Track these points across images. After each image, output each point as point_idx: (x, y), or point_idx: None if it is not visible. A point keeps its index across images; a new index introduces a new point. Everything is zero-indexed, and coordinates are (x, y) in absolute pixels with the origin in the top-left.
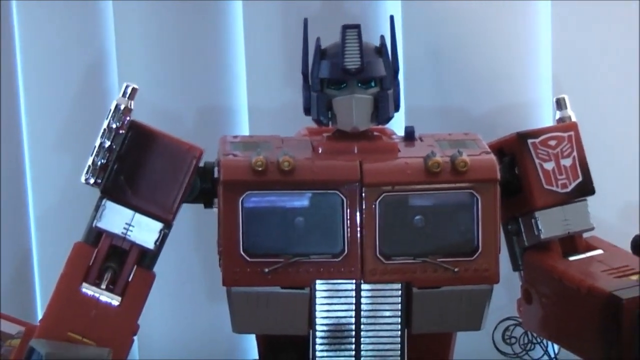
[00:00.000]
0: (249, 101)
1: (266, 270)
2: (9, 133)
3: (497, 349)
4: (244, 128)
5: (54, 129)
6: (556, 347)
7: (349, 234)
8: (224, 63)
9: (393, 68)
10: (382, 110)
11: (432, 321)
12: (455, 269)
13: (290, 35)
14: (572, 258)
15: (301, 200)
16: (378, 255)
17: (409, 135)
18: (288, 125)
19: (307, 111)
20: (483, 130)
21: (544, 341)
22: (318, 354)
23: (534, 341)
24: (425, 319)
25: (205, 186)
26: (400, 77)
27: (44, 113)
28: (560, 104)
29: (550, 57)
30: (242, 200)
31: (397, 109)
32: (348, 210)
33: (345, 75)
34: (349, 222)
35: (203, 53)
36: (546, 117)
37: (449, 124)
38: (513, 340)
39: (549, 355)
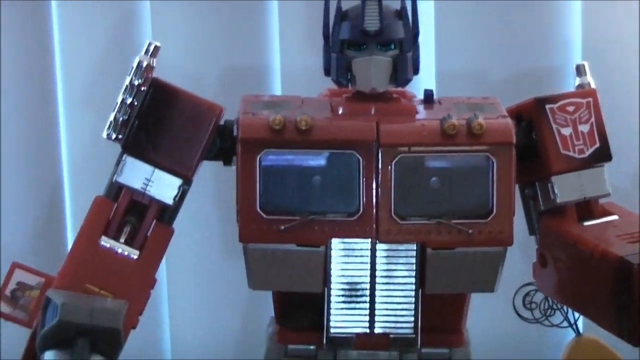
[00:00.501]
0: (282, 61)
1: (282, 227)
2: (44, 89)
3: (518, 313)
4: (276, 88)
5: (86, 83)
6: (576, 313)
7: (364, 194)
8: (257, 24)
9: (413, 31)
10: (401, 72)
11: (446, 282)
12: (470, 231)
13: None
14: (587, 223)
15: (318, 160)
16: (393, 215)
17: (428, 98)
18: (320, 86)
19: (327, 72)
20: (510, 95)
21: (564, 307)
22: (333, 311)
23: (555, 307)
24: (439, 280)
25: (224, 144)
26: (431, 41)
27: (77, 67)
28: (580, 71)
29: (581, 23)
30: (259, 158)
31: (416, 71)
32: (364, 170)
33: (365, 37)
34: (364, 182)
35: (238, 14)
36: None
37: (477, 89)
38: (534, 305)
39: (569, 322)
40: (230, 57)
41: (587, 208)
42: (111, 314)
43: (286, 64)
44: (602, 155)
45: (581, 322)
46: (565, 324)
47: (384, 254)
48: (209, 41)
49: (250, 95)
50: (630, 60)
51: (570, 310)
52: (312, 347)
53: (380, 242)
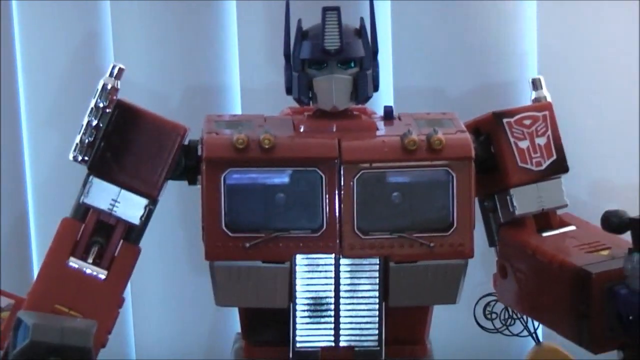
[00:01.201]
0: (241, 81)
1: (247, 245)
2: (7, 110)
3: (479, 324)
4: (236, 108)
5: (49, 105)
6: (536, 322)
7: (327, 210)
8: (217, 44)
9: (372, 49)
10: (361, 89)
11: (409, 295)
12: (431, 244)
13: (279, 16)
14: (545, 234)
15: (281, 177)
16: (356, 230)
17: (388, 115)
18: (280, 105)
19: (288, 91)
20: (469, 110)
21: (524, 316)
22: (298, 326)
23: (514, 316)
24: (402, 293)
25: (189, 163)
26: (389, 58)
27: (41, 88)
28: (535, 84)
29: (536, 37)
30: (224, 177)
31: (376, 89)
32: (327, 187)
33: (325, 55)
34: (327, 198)
35: (197, 34)
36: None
37: (436, 104)
38: (494, 315)
39: (529, 331)
40: (192, 77)
41: (545, 219)
42: (81, 334)
43: (246, 83)
44: (559, 167)
45: (541, 330)
46: (525, 333)
47: (348, 268)
48: (170, 61)
49: (213, 115)
50: (585, 73)
51: (530, 320)
52: None
53: (344, 257)
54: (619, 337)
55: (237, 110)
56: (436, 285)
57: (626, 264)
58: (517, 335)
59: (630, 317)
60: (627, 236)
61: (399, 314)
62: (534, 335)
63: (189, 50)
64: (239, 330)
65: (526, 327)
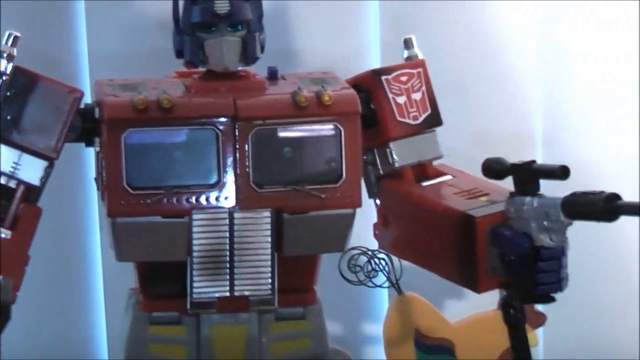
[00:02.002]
0: (89, 48)
1: (148, 201)
2: None
3: (343, 276)
4: (83, 75)
5: None
6: (398, 274)
7: (224, 166)
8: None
9: (258, 13)
10: (250, 51)
11: (302, 244)
12: (322, 196)
13: None
14: (424, 184)
15: (180, 136)
16: (251, 184)
17: (273, 75)
18: (132, 73)
19: (179, 54)
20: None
21: (386, 268)
22: (195, 278)
23: (377, 269)
24: (295, 243)
25: (86, 126)
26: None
27: None
28: (407, 44)
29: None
30: (124, 137)
31: (262, 50)
32: (223, 144)
33: (216, 19)
34: (223, 154)
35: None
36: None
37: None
38: (357, 268)
39: (391, 282)
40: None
41: (423, 170)
42: (1, 290)
43: (95, 51)
44: (434, 120)
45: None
46: (387, 284)
47: (242, 221)
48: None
49: (103, 80)
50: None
51: (392, 271)
52: (176, 313)
53: (240, 210)
54: (501, 276)
55: (85, 77)
56: (327, 235)
57: (508, 207)
58: (379, 286)
59: (512, 257)
60: (502, 183)
61: (290, 264)
62: (396, 286)
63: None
64: (133, 286)
65: (388, 278)
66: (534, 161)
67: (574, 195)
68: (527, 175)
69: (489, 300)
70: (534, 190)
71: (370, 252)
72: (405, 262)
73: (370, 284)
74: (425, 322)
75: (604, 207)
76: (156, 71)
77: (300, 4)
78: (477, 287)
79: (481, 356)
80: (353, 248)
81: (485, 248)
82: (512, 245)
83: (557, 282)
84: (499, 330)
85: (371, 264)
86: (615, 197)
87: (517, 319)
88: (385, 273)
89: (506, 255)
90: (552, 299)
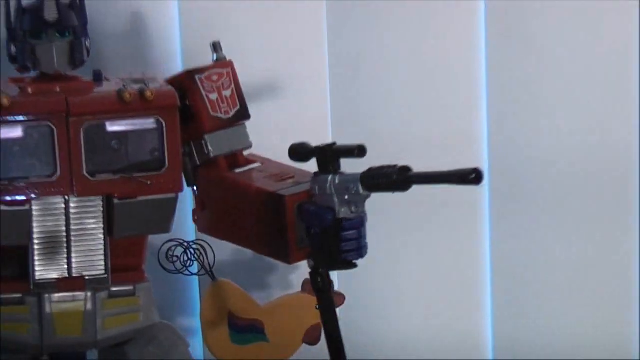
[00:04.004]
0: None
1: None
2: None
3: (162, 266)
4: None
5: None
6: (211, 262)
7: (59, 158)
8: None
9: (84, 20)
10: (78, 54)
11: (131, 227)
12: (148, 182)
13: None
14: (237, 170)
15: (18, 132)
16: (84, 174)
17: (98, 77)
18: None
19: (12, 59)
20: None
21: (201, 257)
22: (36, 261)
23: (192, 258)
24: (125, 226)
25: None
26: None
27: None
28: (216, 47)
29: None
30: None
31: (88, 54)
32: (58, 138)
33: (45, 26)
34: (59, 148)
35: None
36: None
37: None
38: (175, 259)
39: (205, 270)
40: None
41: (235, 159)
42: None
43: None
44: (243, 114)
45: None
46: (202, 272)
47: (77, 208)
48: None
49: None
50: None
51: (206, 260)
52: (19, 294)
53: (75, 197)
54: (308, 247)
55: None
56: (153, 217)
57: (313, 185)
58: (195, 274)
59: (317, 230)
60: (304, 166)
61: (121, 246)
62: (210, 273)
63: None
64: None
65: (203, 266)
66: (334, 143)
67: (370, 170)
68: (329, 156)
69: (295, 285)
70: (335, 169)
71: (186, 244)
72: (218, 253)
73: (187, 272)
74: (237, 305)
75: (397, 178)
76: None
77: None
78: (288, 259)
79: (288, 334)
80: (170, 240)
81: (293, 223)
82: (316, 218)
83: (358, 249)
84: (303, 310)
85: (187, 255)
86: (407, 169)
87: (324, 285)
88: (200, 262)
89: (312, 228)
90: (354, 265)
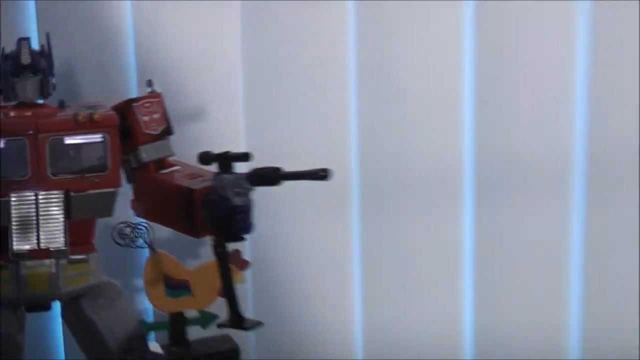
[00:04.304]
0: None
1: None
2: None
3: (115, 241)
4: None
5: None
6: (150, 237)
7: (31, 163)
8: None
9: (50, 63)
10: (46, 89)
11: (84, 212)
12: (96, 180)
13: None
14: (162, 172)
15: (2, 144)
16: (49, 174)
17: (61, 105)
18: None
19: None
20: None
21: (144, 235)
22: (14, 238)
23: (137, 235)
24: (80, 211)
25: None
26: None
27: None
28: (149, 83)
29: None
30: None
31: (54, 88)
32: (30, 149)
33: (21, 68)
34: (31, 156)
35: None
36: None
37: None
38: (124, 235)
39: (147, 244)
40: None
41: (162, 163)
42: None
43: None
44: (168, 131)
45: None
46: (146, 245)
47: (44, 199)
48: None
49: None
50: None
51: (149, 235)
52: (2, 262)
53: (43, 191)
54: (211, 226)
55: None
56: (99, 205)
57: (214, 182)
58: (140, 247)
59: (218, 214)
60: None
61: (77, 226)
62: (150, 246)
63: None
64: None
65: (145, 242)
66: (228, 151)
67: (255, 169)
68: (225, 160)
69: (212, 254)
70: (230, 170)
71: (133, 224)
72: (158, 232)
73: (133, 245)
74: (170, 269)
75: (272, 175)
76: None
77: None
78: (198, 235)
79: (207, 289)
80: (122, 222)
81: (201, 209)
82: (217, 206)
83: (246, 228)
84: (218, 273)
85: (134, 232)
86: (278, 169)
87: (223, 254)
88: (144, 239)
89: (214, 213)
90: (244, 239)
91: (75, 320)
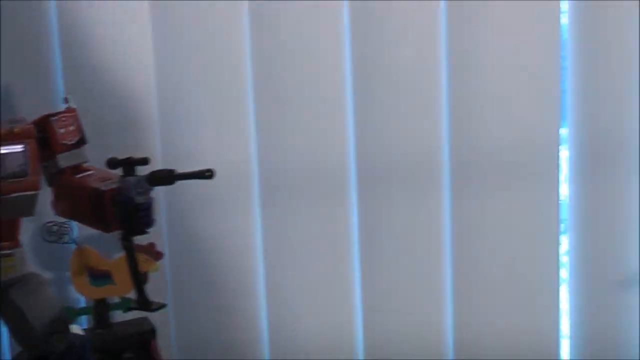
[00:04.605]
0: None
1: None
2: None
3: (44, 238)
4: None
5: None
6: (75, 234)
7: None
8: None
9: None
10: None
11: (10, 212)
12: (18, 184)
13: None
14: (78, 176)
15: None
16: None
17: None
18: None
19: None
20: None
21: (69, 232)
22: None
23: (63, 232)
24: (6, 211)
25: None
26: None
27: None
28: (66, 100)
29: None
30: None
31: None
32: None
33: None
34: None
35: None
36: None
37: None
38: (52, 233)
39: (72, 239)
40: None
41: (77, 168)
42: None
43: None
44: (82, 141)
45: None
46: (71, 241)
47: None
48: None
49: None
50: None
51: (73, 232)
52: None
53: None
54: (119, 222)
55: None
56: (23, 205)
57: (120, 184)
58: (66, 243)
59: (124, 211)
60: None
61: (5, 224)
62: (75, 241)
63: None
64: None
65: (71, 237)
66: (130, 157)
67: (152, 172)
68: (128, 165)
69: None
70: (133, 173)
71: (59, 223)
72: (81, 229)
73: (61, 242)
74: (93, 261)
75: (168, 176)
76: None
77: None
78: (109, 230)
79: (127, 278)
80: (49, 222)
81: (110, 207)
82: (123, 204)
83: (148, 222)
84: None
85: (61, 230)
86: (172, 170)
87: (130, 247)
88: (69, 235)
89: (121, 210)
90: (146, 232)
91: (4, 307)
